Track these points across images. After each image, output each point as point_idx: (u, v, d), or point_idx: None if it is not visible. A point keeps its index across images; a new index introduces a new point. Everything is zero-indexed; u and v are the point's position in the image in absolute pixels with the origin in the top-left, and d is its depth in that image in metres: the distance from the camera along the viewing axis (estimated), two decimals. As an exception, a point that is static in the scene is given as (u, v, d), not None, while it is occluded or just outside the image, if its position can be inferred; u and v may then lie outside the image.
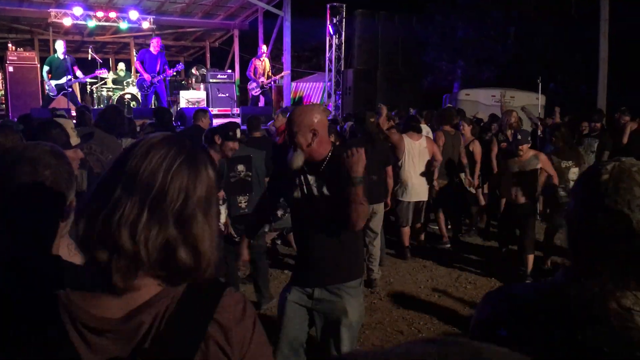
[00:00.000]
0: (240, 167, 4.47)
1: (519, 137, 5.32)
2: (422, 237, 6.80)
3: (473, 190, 6.89)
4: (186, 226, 0.97)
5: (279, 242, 6.47)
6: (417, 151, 6.05)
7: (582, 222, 1.10)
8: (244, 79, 15.60)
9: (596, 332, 1.01)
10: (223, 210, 4.24)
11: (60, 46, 10.92)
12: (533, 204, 5.54)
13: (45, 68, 10.99)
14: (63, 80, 10.80)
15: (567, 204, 1.18)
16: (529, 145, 5.39)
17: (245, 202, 4.46)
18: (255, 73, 12.97)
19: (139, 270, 0.94)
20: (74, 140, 2.63)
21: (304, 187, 2.69)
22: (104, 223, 0.93)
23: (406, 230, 6.21)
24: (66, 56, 10.87)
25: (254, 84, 12.99)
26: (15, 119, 7.80)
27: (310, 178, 2.69)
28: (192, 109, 8.79)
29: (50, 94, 11.04)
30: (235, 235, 4.27)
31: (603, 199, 1.06)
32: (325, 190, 2.66)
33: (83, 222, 0.95)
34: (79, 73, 11.11)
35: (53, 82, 10.92)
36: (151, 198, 0.94)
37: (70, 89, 10.82)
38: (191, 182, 0.98)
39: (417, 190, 6.11)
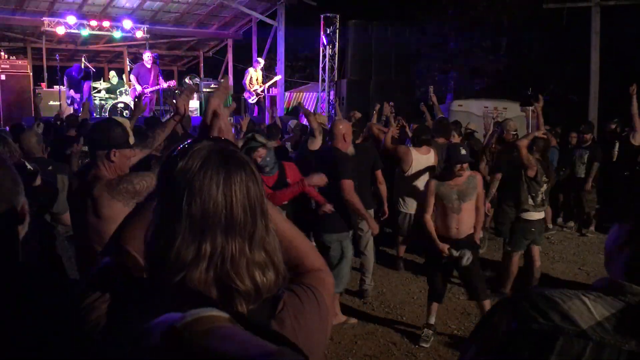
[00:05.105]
0: None
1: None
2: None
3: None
4: (257, 241, 1.00)
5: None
6: (424, 165, 5.85)
7: None
8: (238, 89, 15.61)
9: None
10: None
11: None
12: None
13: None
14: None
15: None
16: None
17: None
18: (250, 82, 13.05)
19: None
20: (132, 139, 2.76)
21: None
22: (214, 269, 0.94)
23: (402, 241, 6.16)
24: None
25: (248, 94, 13.08)
26: (7, 128, 7.76)
27: None
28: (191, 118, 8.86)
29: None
30: None
31: None
32: None
33: (191, 273, 0.94)
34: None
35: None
36: (237, 231, 0.96)
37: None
38: (241, 192, 0.97)
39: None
